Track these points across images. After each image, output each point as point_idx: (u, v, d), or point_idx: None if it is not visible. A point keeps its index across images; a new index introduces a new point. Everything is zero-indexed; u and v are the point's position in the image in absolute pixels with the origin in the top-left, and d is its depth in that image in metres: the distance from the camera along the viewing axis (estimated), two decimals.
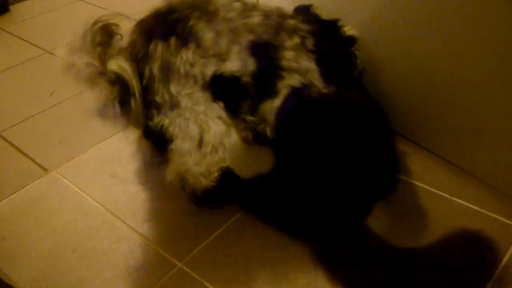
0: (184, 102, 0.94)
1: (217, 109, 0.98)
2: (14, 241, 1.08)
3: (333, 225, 0.96)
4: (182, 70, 0.93)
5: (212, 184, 1.03)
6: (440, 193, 1.09)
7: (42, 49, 1.85)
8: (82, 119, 1.47)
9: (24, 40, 1.94)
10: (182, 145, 0.96)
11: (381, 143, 1.06)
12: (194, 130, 0.95)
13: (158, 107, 0.93)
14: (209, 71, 0.95)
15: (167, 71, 0.92)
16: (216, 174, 1.02)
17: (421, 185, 1.12)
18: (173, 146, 0.96)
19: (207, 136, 0.97)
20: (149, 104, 0.93)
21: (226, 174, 1.07)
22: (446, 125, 1.15)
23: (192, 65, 0.93)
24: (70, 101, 1.54)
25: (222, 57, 0.96)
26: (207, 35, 0.94)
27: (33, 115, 1.50)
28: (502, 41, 0.94)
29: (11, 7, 2.21)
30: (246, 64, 0.98)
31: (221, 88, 0.98)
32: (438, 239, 0.95)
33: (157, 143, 0.98)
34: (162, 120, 0.94)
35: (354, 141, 1.00)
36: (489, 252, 0.91)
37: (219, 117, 0.98)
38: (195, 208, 1.11)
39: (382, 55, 1.21)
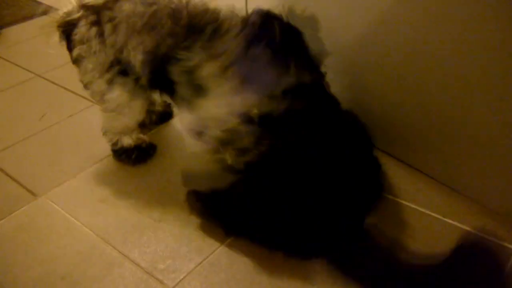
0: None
1: (122, 79, 1.19)
2: (1, 268, 1.06)
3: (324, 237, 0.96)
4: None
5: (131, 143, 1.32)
6: (433, 214, 1.10)
7: (32, 72, 1.85)
8: (72, 143, 1.45)
9: (14, 64, 1.93)
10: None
11: (363, 155, 1.09)
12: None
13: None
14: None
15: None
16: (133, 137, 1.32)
17: (412, 205, 1.12)
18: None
19: (109, 94, 1.21)
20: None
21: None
22: (435, 145, 1.16)
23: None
24: (60, 125, 1.53)
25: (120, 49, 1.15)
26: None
27: (22, 139, 1.48)
28: (490, 50, 0.95)
29: (2, 31, 2.21)
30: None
31: None
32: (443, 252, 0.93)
33: None
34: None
35: (335, 154, 1.02)
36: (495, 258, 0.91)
37: (123, 86, 1.20)
38: (187, 233, 1.10)
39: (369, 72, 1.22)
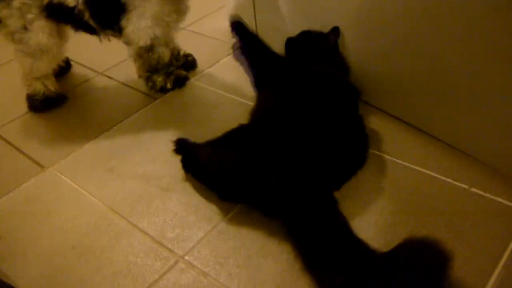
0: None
1: (44, 21, 1.31)
2: (12, 240, 1.06)
3: (301, 199, 0.94)
4: None
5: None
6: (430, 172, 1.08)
7: None
8: (77, 115, 1.45)
9: None
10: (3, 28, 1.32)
11: (353, 116, 1.11)
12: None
13: None
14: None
15: None
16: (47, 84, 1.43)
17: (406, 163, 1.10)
18: None
19: (24, 36, 1.31)
20: None
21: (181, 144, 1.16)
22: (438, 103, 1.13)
23: None
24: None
25: None
26: None
27: (28, 111, 1.47)
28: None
29: None
30: None
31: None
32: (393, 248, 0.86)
33: None
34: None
35: (329, 107, 1.06)
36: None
37: (43, 28, 1.31)
38: (195, 201, 1.09)
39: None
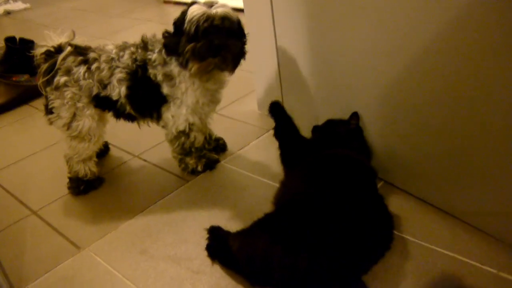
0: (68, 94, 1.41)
1: (92, 110, 1.44)
2: None
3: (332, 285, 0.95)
4: (76, 76, 1.40)
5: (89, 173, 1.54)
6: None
7: None
8: (113, 196, 1.52)
9: None
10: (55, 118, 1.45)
11: (373, 196, 1.14)
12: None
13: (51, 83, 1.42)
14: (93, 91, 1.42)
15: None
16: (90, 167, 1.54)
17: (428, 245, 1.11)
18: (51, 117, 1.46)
19: (74, 123, 1.43)
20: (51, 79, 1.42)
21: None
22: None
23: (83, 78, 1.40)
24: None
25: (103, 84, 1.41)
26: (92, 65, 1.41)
27: (67, 193, 1.56)
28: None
29: None
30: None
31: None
32: None
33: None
34: (50, 92, 1.44)
35: (355, 191, 1.10)
36: None
37: (92, 116, 1.44)
38: (223, 284, 1.11)
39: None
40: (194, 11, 1.27)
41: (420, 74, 1.13)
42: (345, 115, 1.37)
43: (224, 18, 1.28)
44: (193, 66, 1.31)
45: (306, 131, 1.42)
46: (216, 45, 1.27)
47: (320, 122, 1.40)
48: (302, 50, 1.47)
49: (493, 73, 0.97)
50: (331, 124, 1.39)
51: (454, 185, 1.18)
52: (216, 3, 1.31)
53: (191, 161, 1.52)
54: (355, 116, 1.35)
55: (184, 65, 1.33)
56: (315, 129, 1.40)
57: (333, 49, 1.35)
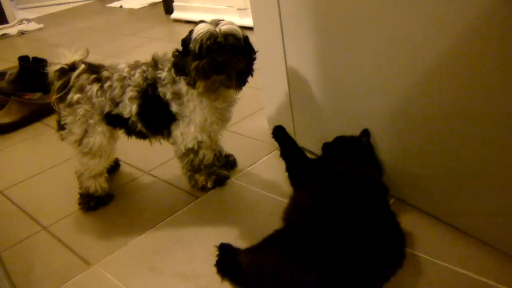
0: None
1: (104, 127, 1.45)
2: None
3: None
4: (89, 93, 1.42)
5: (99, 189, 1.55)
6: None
7: None
8: (123, 212, 1.52)
9: None
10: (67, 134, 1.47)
11: (385, 212, 1.14)
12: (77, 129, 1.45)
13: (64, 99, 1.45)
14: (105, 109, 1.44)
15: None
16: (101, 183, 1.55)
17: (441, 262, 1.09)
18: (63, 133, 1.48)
19: (86, 139, 1.44)
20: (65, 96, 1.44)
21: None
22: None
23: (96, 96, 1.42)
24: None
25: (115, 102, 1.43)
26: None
27: (77, 210, 1.56)
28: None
29: None
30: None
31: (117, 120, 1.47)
32: None
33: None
34: (63, 109, 1.46)
35: (366, 207, 1.09)
36: None
37: (103, 132, 1.45)
38: None
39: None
40: (199, 30, 1.28)
41: (431, 89, 1.13)
42: (355, 132, 1.37)
43: (228, 35, 1.28)
44: (200, 85, 1.32)
45: (316, 148, 1.42)
46: (219, 62, 1.27)
47: (330, 139, 1.40)
48: (311, 67, 1.48)
49: (509, 88, 0.97)
50: (341, 141, 1.38)
51: (467, 202, 1.17)
52: (223, 20, 1.32)
53: (200, 178, 1.53)
54: (366, 132, 1.35)
55: (192, 85, 1.34)
56: (325, 146, 1.40)
57: (343, 66, 1.35)
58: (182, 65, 1.34)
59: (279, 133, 1.41)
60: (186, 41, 1.33)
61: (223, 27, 1.28)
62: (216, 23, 1.30)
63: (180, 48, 1.37)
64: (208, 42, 1.27)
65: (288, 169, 1.38)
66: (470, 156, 1.11)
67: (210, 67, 1.28)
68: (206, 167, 1.51)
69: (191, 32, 1.32)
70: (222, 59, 1.27)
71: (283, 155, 1.40)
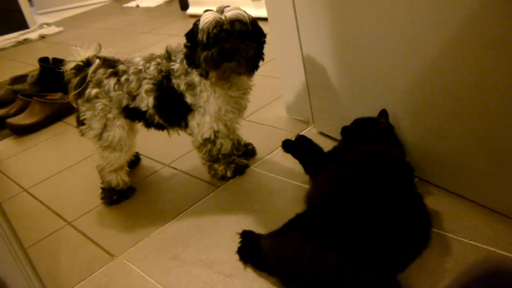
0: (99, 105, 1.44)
1: (123, 120, 1.46)
2: None
3: (365, 283, 0.92)
4: (106, 87, 1.43)
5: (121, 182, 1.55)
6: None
7: None
8: (145, 205, 1.53)
9: None
10: (87, 129, 1.48)
11: (412, 194, 1.11)
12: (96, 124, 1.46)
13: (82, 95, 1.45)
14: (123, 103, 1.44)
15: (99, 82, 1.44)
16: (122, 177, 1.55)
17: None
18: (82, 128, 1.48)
19: (105, 133, 1.45)
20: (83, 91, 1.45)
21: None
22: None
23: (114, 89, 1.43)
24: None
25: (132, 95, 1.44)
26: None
27: (100, 204, 1.58)
28: None
29: None
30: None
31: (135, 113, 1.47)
32: None
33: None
34: (81, 104, 1.46)
35: (391, 188, 1.07)
36: None
37: (122, 126, 1.46)
38: (257, 287, 1.10)
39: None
40: (205, 19, 1.27)
41: (447, 63, 1.10)
42: (374, 113, 1.34)
43: (234, 21, 1.26)
44: (212, 75, 1.32)
45: (336, 133, 1.39)
46: (227, 49, 1.26)
47: (349, 122, 1.38)
48: (327, 54, 1.46)
49: None
50: (360, 123, 1.36)
51: (493, 178, 1.14)
52: (228, 6, 1.29)
53: (220, 168, 1.52)
54: (384, 113, 1.32)
55: (205, 76, 1.34)
56: (344, 129, 1.38)
57: (358, 49, 1.33)
58: (192, 57, 1.33)
59: (289, 147, 1.39)
60: (193, 33, 1.32)
61: (228, 14, 1.27)
62: (221, 10, 1.28)
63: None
64: (214, 31, 1.25)
65: (308, 172, 1.37)
66: (494, 129, 1.07)
67: (219, 55, 1.26)
68: (224, 157, 1.51)
69: (196, 22, 1.31)
70: (230, 46, 1.26)
71: (303, 164, 1.39)
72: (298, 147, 1.38)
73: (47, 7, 5.60)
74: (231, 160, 1.53)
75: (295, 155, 1.39)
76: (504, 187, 1.12)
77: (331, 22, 1.38)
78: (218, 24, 1.25)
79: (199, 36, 1.28)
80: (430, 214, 1.12)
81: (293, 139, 1.42)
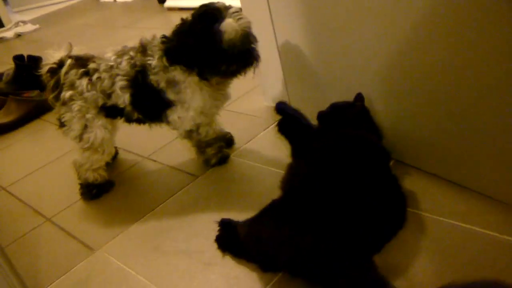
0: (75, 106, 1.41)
1: (103, 119, 1.44)
2: None
3: (339, 264, 0.93)
4: (79, 89, 1.40)
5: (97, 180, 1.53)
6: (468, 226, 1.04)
7: None
8: (124, 198, 1.52)
9: None
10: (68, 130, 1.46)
11: (389, 176, 1.11)
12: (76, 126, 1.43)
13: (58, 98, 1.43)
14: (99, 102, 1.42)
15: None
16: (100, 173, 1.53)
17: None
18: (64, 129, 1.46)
19: (85, 134, 1.43)
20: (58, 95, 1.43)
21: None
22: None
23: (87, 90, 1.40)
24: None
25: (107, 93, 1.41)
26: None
27: (79, 199, 1.56)
28: None
29: None
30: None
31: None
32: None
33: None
34: (59, 107, 1.45)
35: (365, 171, 1.07)
36: None
37: (104, 126, 1.44)
38: (236, 274, 1.10)
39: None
40: (230, 29, 1.26)
41: (421, 44, 1.10)
42: (350, 97, 1.35)
43: (249, 34, 1.32)
44: (215, 79, 1.35)
45: (313, 119, 1.40)
46: (251, 62, 1.34)
47: (326, 107, 1.38)
48: (301, 39, 1.46)
49: (500, 35, 0.94)
50: (335, 108, 1.36)
51: (466, 157, 1.15)
52: (230, 7, 1.31)
53: (212, 152, 1.52)
54: (359, 96, 1.33)
55: (205, 78, 1.35)
56: (320, 115, 1.38)
57: (332, 32, 1.33)
58: (192, 57, 1.31)
59: (282, 109, 1.38)
60: (209, 37, 1.28)
61: (242, 23, 1.29)
62: (227, 10, 1.29)
63: (167, 35, 1.35)
64: (240, 47, 1.29)
65: (292, 142, 1.35)
66: (467, 109, 1.08)
67: (239, 70, 1.34)
68: (214, 141, 1.51)
69: (203, 20, 1.30)
70: (253, 60, 1.34)
71: (282, 128, 1.37)
72: (292, 128, 1.37)
73: (22, 5, 5.50)
74: (220, 148, 1.53)
75: (288, 137, 1.37)
76: (476, 165, 1.14)
77: (304, 8, 1.38)
78: (244, 37, 1.30)
79: (224, 45, 1.27)
80: (406, 195, 1.13)
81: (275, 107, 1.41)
